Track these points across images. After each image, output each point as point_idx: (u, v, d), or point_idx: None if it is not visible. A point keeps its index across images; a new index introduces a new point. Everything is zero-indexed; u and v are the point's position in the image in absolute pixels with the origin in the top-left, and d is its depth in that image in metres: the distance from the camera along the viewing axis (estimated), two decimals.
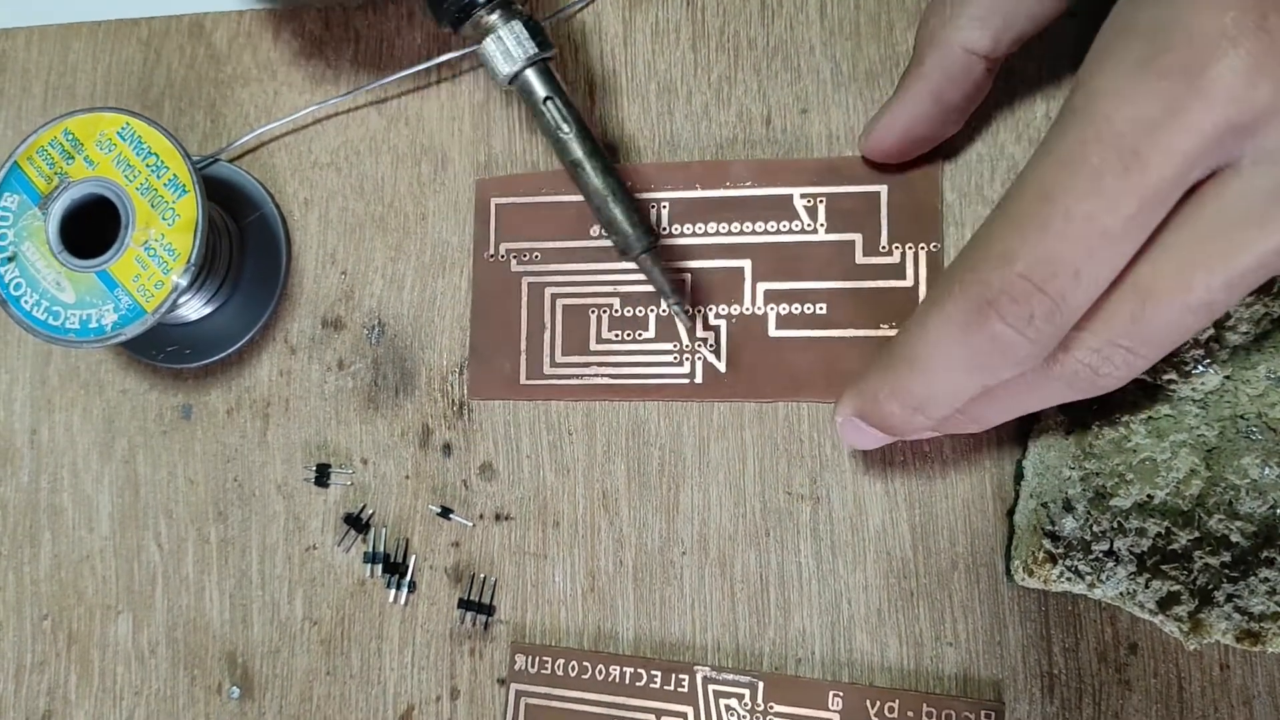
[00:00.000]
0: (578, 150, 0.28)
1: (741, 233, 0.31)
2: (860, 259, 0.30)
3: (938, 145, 0.29)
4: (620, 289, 0.31)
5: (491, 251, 0.32)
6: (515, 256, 0.32)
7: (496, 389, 0.31)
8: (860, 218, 0.30)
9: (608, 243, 0.31)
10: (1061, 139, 0.21)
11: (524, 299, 0.32)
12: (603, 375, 0.31)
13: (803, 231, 0.30)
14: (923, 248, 0.29)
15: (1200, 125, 0.19)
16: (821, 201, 0.30)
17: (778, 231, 0.30)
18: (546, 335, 0.31)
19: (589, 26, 0.32)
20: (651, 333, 0.31)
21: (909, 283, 0.29)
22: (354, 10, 0.33)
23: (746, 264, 0.30)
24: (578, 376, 0.31)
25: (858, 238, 0.30)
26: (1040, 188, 0.21)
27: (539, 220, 0.32)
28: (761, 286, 0.30)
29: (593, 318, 0.31)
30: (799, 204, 0.30)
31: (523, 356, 0.31)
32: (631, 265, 0.31)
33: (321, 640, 0.32)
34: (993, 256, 0.21)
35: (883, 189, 0.30)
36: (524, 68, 0.27)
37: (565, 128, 0.27)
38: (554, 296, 0.31)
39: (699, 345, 0.30)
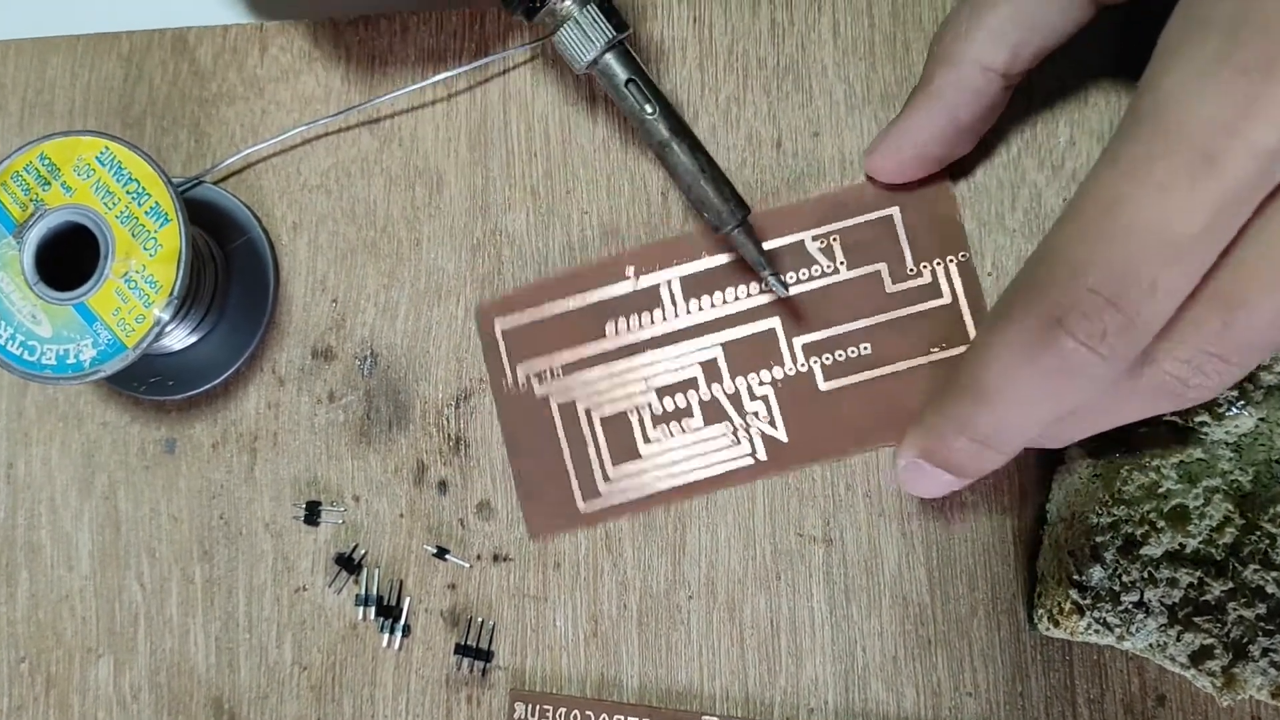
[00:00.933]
0: (664, 130, 0.26)
1: (762, 291, 0.29)
2: (890, 288, 0.29)
3: (946, 165, 0.28)
4: (652, 382, 0.29)
5: (510, 381, 0.30)
6: (536, 379, 0.30)
7: (557, 524, 0.29)
8: (879, 246, 0.29)
9: (626, 339, 0.29)
10: (1129, 144, 0.20)
11: (558, 422, 0.29)
12: (662, 478, 0.29)
13: (824, 275, 0.29)
14: (951, 260, 0.28)
15: None
16: (835, 239, 0.29)
17: (798, 280, 0.29)
18: (591, 451, 0.29)
19: None
20: (699, 420, 0.29)
21: (947, 299, 0.28)
22: (345, 25, 0.32)
23: (776, 322, 0.29)
24: (636, 487, 0.29)
25: (882, 267, 0.29)
26: (1108, 196, 0.20)
27: (550, 334, 0.30)
28: (798, 342, 0.29)
29: (634, 420, 0.29)
30: (812, 247, 0.29)
31: (574, 482, 0.29)
32: (652, 355, 0.29)
33: (311, 686, 0.30)
34: (1059, 271, 0.20)
35: (894, 211, 0.29)
36: (603, 52, 0.26)
37: (649, 108, 0.26)
38: (587, 410, 0.29)
39: (750, 419, 0.29)
